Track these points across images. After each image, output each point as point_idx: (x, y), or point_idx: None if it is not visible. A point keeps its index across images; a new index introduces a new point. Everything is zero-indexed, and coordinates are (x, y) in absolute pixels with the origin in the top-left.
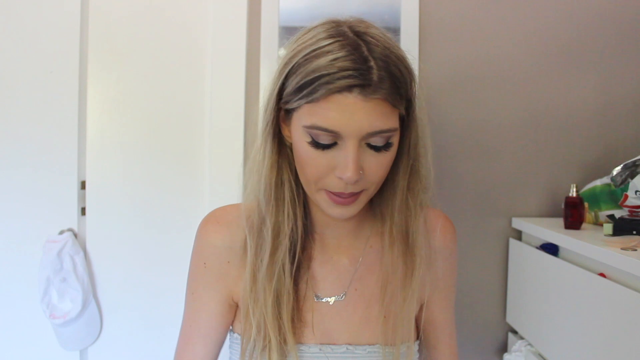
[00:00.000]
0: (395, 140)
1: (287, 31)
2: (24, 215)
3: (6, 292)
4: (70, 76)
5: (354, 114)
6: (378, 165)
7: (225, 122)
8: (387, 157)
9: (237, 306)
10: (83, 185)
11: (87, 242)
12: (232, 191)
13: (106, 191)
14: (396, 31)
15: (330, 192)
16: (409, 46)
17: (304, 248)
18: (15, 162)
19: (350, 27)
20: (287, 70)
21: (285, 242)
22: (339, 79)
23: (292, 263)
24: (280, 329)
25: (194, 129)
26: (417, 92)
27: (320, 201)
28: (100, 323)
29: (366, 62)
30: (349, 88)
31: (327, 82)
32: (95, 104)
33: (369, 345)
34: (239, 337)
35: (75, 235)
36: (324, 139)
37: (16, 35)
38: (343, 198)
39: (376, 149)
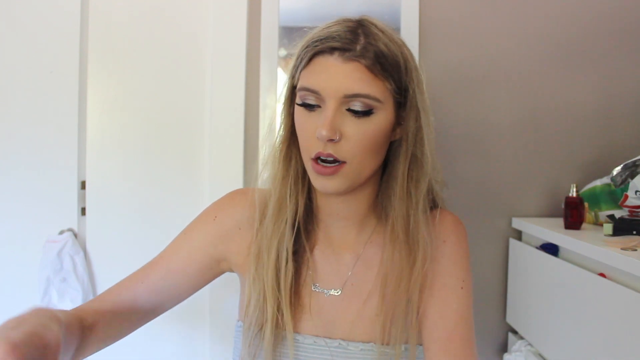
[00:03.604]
0: (379, 113)
1: (287, 31)
2: (24, 215)
3: (6, 292)
4: (70, 76)
5: (332, 75)
6: (358, 132)
7: (225, 121)
8: (369, 126)
9: (220, 274)
10: (83, 185)
11: (87, 242)
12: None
13: (106, 191)
14: (396, 31)
15: (315, 160)
16: (409, 46)
17: (309, 235)
18: (15, 162)
19: (358, 18)
20: (297, 51)
21: (285, 215)
22: (324, 42)
23: (292, 236)
24: (280, 299)
25: (194, 129)
26: (417, 81)
27: (310, 174)
28: None
29: (356, 35)
30: (330, 50)
31: (315, 46)
32: (95, 104)
33: (362, 342)
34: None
35: (75, 235)
36: (310, 100)
37: (16, 35)
38: (324, 167)
39: (356, 113)
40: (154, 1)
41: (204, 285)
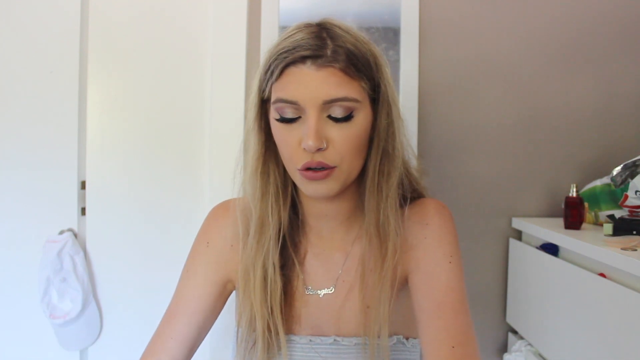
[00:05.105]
0: (359, 114)
1: None
2: (24, 215)
3: (6, 292)
4: (70, 76)
5: (309, 83)
6: (343, 137)
7: (225, 122)
8: (352, 130)
9: (229, 294)
10: (83, 185)
11: (87, 242)
12: (232, 191)
13: (106, 191)
14: (396, 31)
15: (302, 170)
16: (409, 46)
17: (297, 243)
18: (15, 162)
19: (319, 22)
20: (262, 64)
21: (269, 233)
22: (293, 52)
23: (280, 254)
24: (269, 319)
25: (194, 129)
26: (386, 77)
27: (298, 182)
28: (100, 323)
29: (322, 40)
30: (302, 59)
31: (285, 57)
32: (95, 104)
33: (355, 337)
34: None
35: (75, 235)
36: (289, 113)
37: (16, 36)
38: (314, 173)
39: (337, 120)
40: (154, 1)
41: (222, 308)
